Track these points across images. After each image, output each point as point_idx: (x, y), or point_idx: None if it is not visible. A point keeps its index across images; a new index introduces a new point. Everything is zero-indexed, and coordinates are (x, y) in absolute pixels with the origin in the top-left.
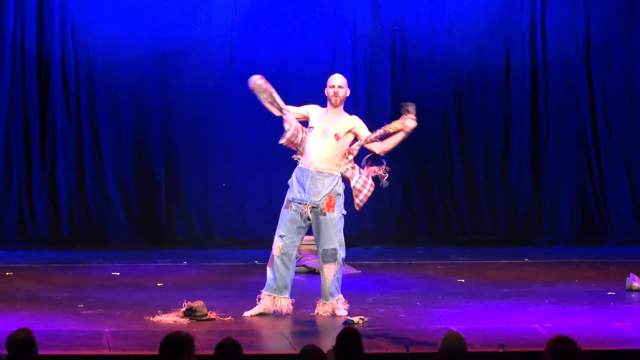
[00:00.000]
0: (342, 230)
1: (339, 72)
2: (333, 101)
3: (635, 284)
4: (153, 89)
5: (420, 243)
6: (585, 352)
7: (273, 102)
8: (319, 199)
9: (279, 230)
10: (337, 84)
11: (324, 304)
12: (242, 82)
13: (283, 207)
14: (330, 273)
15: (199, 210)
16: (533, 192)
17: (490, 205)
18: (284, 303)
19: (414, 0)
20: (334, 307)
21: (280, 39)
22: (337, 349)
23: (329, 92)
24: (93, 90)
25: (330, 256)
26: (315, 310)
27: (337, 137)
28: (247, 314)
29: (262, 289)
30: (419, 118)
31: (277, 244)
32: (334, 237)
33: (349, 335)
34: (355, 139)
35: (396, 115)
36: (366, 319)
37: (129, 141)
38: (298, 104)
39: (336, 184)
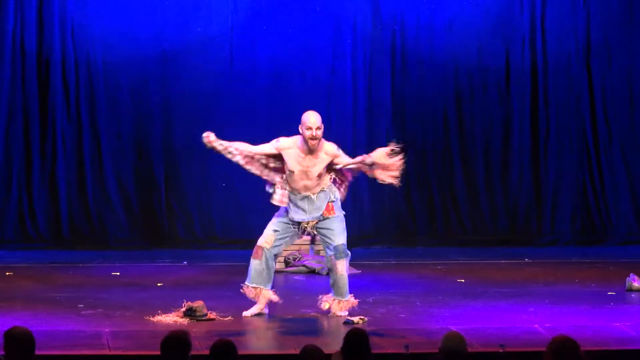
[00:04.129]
0: (345, 228)
1: (339, 72)
2: (311, 145)
3: (635, 284)
4: (153, 89)
5: (420, 243)
6: (585, 352)
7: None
8: (320, 213)
9: (272, 225)
10: (316, 125)
11: (341, 300)
12: (242, 82)
13: (284, 210)
14: (343, 268)
15: (199, 210)
16: (533, 192)
17: (490, 205)
18: (271, 295)
19: (414, 0)
20: (352, 303)
21: (280, 39)
22: (345, 350)
23: (306, 133)
24: (93, 90)
25: (342, 252)
26: (330, 310)
27: (319, 175)
28: (246, 313)
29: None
30: (418, 118)
31: (269, 236)
32: (342, 233)
33: (356, 336)
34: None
35: (396, 115)
36: (366, 319)
37: (129, 141)
38: (298, 103)
39: (331, 193)
